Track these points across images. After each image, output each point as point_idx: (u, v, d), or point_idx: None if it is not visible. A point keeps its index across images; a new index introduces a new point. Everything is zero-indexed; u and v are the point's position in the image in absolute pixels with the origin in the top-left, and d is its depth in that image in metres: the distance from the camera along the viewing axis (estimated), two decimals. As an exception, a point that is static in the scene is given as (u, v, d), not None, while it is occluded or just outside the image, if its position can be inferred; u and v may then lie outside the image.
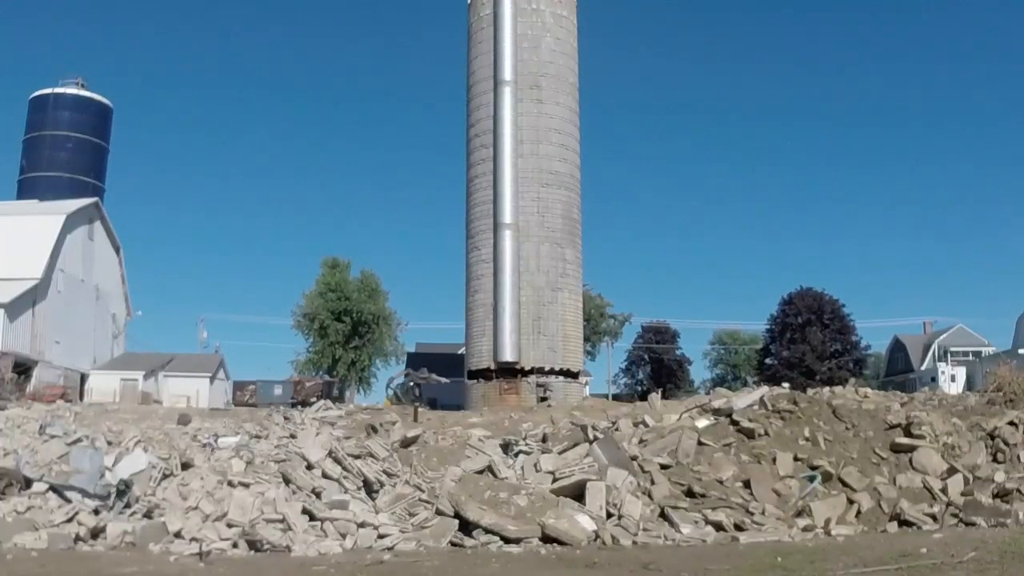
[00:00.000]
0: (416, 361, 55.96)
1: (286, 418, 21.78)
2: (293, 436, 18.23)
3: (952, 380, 63.36)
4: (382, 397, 48.65)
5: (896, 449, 17.51)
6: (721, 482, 16.00)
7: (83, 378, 55.06)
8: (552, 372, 39.27)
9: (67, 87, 76.70)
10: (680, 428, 18.16)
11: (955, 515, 15.11)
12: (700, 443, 17.33)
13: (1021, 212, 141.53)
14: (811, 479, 16.27)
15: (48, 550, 13.08)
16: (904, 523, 14.91)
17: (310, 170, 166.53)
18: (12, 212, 55.14)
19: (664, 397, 30.57)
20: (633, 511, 14.44)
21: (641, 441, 18.07)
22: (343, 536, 13.86)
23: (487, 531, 13.70)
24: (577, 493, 14.95)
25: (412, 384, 41.91)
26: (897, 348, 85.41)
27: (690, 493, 15.44)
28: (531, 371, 38.89)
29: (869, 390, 24.10)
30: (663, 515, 14.70)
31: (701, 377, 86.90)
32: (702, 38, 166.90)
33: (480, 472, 16.32)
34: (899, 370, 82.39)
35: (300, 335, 61.78)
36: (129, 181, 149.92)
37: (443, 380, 42.40)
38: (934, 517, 15.09)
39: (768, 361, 70.69)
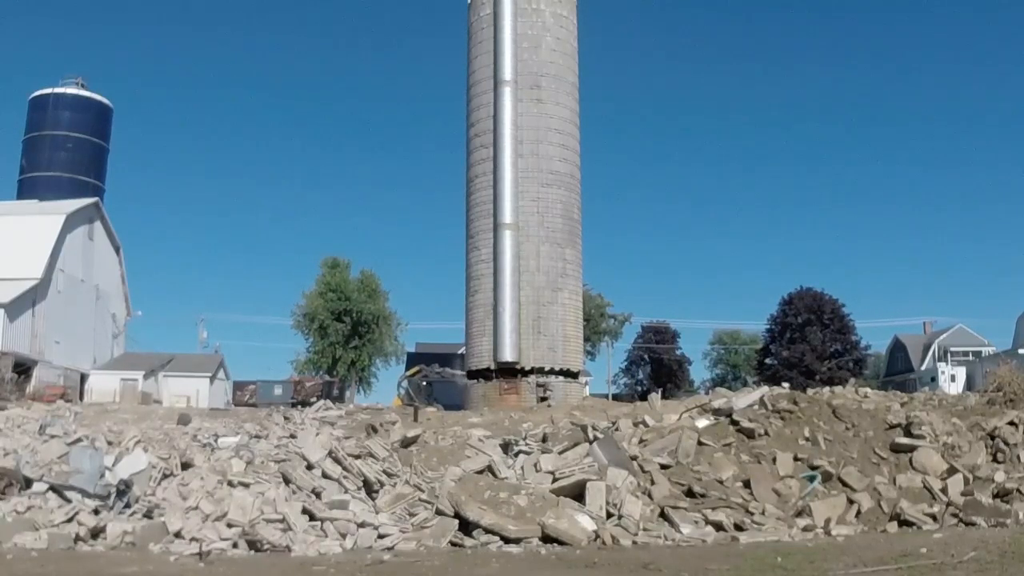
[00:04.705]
0: (416, 361, 55.93)
1: (286, 418, 21.77)
2: (293, 436, 18.23)
3: (952, 380, 63.47)
4: (382, 397, 48.76)
5: (896, 449, 17.51)
6: (721, 482, 16.00)
7: (83, 378, 55.09)
8: (552, 372, 39.20)
9: (67, 87, 76.64)
10: (680, 428, 18.16)
11: (955, 515, 15.11)
12: (700, 443, 17.33)
13: (1021, 212, 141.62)
14: (811, 479, 16.27)
15: (48, 550, 13.07)
16: (904, 523, 14.91)
17: (310, 170, 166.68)
18: (12, 212, 55.20)
19: (664, 397, 30.57)
20: (633, 511, 14.44)
21: (641, 441, 18.07)
22: (343, 536, 13.86)
23: (487, 531, 13.70)
24: (577, 493, 14.94)
25: (425, 383, 41.95)
26: (897, 348, 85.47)
27: (690, 493, 15.44)
28: (531, 371, 38.84)
29: (869, 390, 24.11)
30: (663, 515, 14.70)
31: (701, 377, 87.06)
32: (702, 38, 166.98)
33: (480, 472, 16.32)
34: (899, 370, 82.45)
35: (300, 335, 62.00)
36: (129, 181, 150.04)
37: (458, 372, 42.38)
38: (934, 517, 15.09)
39: (768, 361, 70.71)
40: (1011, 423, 18.34)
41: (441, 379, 42.69)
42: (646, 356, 80.00)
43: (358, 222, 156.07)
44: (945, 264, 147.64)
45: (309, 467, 15.95)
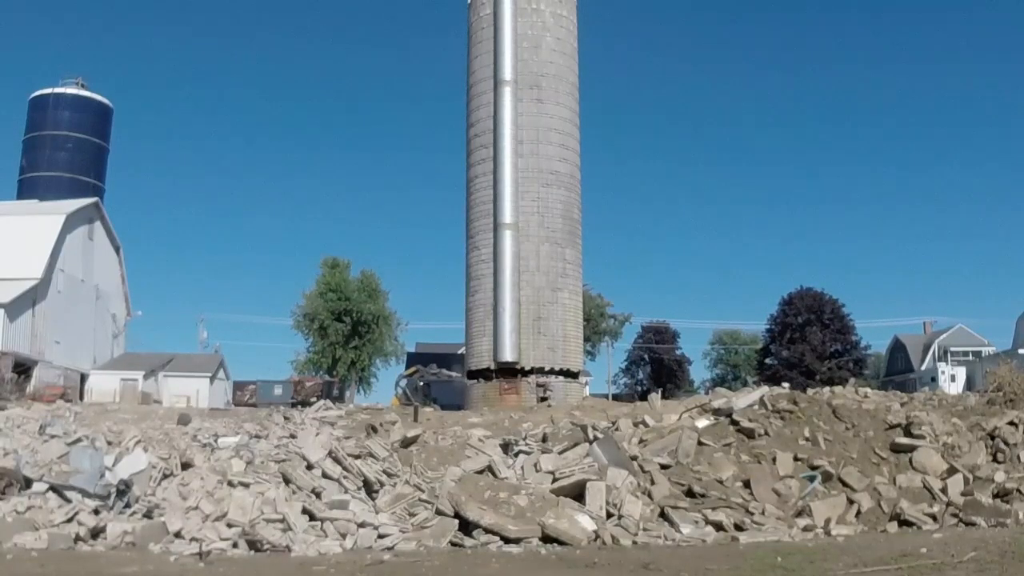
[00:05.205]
0: (416, 361, 55.90)
1: (286, 418, 21.74)
2: (293, 436, 18.22)
3: (952, 380, 63.38)
4: (382, 397, 48.75)
5: (896, 449, 17.52)
6: (721, 482, 16.01)
7: (83, 378, 55.04)
8: (552, 372, 39.22)
9: (67, 87, 76.73)
10: (680, 428, 18.16)
11: (955, 515, 15.12)
12: (700, 443, 17.34)
13: (1021, 212, 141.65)
14: (811, 479, 16.27)
15: (48, 550, 13.08)
16: (904, 523, 14.92)
17: (310, 170, 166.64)
18: (12, 212, 55.17)
19: (664, 397, 30.56)
20: (633, 511, 14.44)
21: (641, 441, 18.07)
22: (343, 536, 13.87)
23: (487, 531, 13.70)
24: (577, 493, 14.95)
25: (422, 383, 42.02)
26: (897, 348, 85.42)
27: (690, 493, 15.45)
28: (531, 371, 38.85)
29: (869, 390, 24.11)
30: (663, 515, 14.70)
31: (701, 377, 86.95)
32: (702, 38, 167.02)
33: (480, 472, 16.33)
34: (899, 370, 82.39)
35: (300, 335, 61.83)
36: (129, 181, 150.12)
37: (454, 374, 42.43)
38: (934, 517, 15.09)
39: (768, 361, 70.71)
40: (1011, 423, 18.34)
41: (437, 379, 42.72)
42: (646, 356, 79.98)
43: (358, 222, 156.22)
44: (945, 264, 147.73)
45: (309, 467, 15.95)
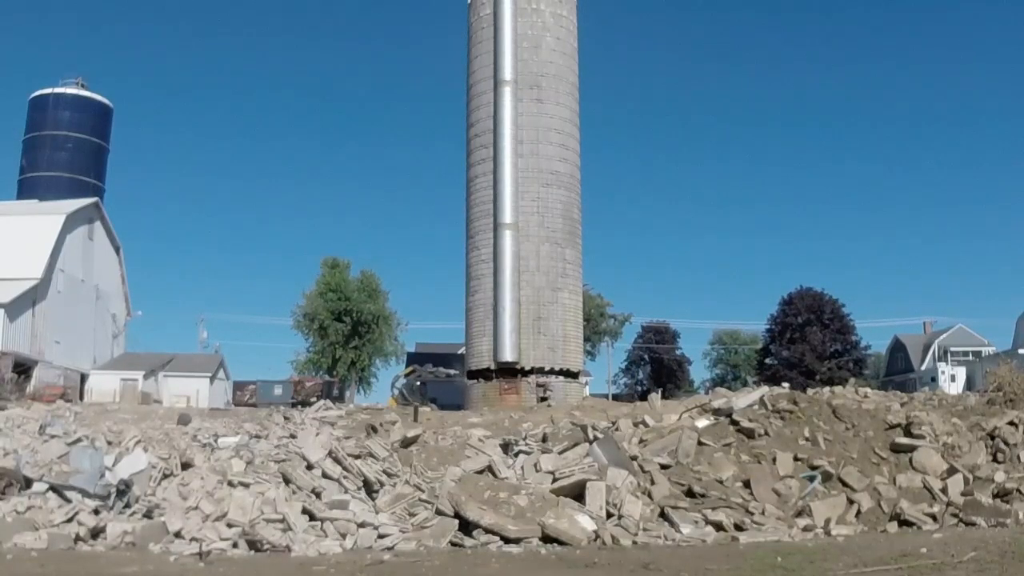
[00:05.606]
0: (416, 361, 55.88)
1: (286, 418, 21.74)
2: (293, 436, 18.22)
3: (952, 380, 63.38)
4: (382, 397, 48.67)
5: (896, 449, 17.52)
6: (721, 482, 16.01)
7: (83, 378, 55.02)
8: (552, 372, 39.23)
9: (67, 87, 76.75)
10: (680, 428, 18.17)
11: (955, 515, 15.13)
12: (700, 443, 17.34)
13: (1021, 212, 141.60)
14: (811, 479, 16.28)
15: (48, 550, 13.08)
16: (904, 523, 14.92)
17: (310, 170, 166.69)
18: (12, 212, 55.15)
19: (664, 397, 30.56)
20: (633, 511, 14.45)
21: (641, 441, 18.08)
22: (343, 536, 13.87)
23: (487, 531, 13.70)
24: (577, 493, 14.95)
25: (419, 383, 41.99)
26: (897, 348, 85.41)
27: (690, 493, 15.45)
28: (531, 371, 38.86)
29: (869, 390, 24.11)
30: (663, 515, 14.71)
31: (701, 377, 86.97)
32: (702, 38, 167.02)
33: (480, 472, 16.33)
34: (899, 370, 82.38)
35: (300, 335, 61.85)
36: (129, 181, 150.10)
37: (452, 372, 42.40)
38: (934, 517, 15.10)
39: (768, 361, 70.71)
40: (1011, 423, 18.35)
41: (435, 378, 42.69)
42: (646, 356, 80.00)
43: (358, 222, 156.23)
44: (945, 264, 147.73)
45: (309, 467, 15.96)
